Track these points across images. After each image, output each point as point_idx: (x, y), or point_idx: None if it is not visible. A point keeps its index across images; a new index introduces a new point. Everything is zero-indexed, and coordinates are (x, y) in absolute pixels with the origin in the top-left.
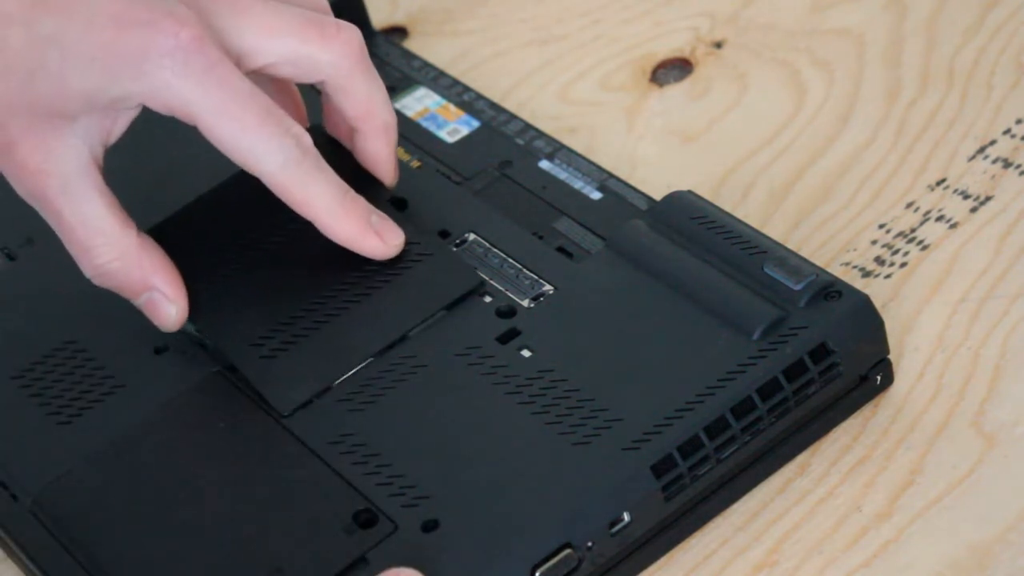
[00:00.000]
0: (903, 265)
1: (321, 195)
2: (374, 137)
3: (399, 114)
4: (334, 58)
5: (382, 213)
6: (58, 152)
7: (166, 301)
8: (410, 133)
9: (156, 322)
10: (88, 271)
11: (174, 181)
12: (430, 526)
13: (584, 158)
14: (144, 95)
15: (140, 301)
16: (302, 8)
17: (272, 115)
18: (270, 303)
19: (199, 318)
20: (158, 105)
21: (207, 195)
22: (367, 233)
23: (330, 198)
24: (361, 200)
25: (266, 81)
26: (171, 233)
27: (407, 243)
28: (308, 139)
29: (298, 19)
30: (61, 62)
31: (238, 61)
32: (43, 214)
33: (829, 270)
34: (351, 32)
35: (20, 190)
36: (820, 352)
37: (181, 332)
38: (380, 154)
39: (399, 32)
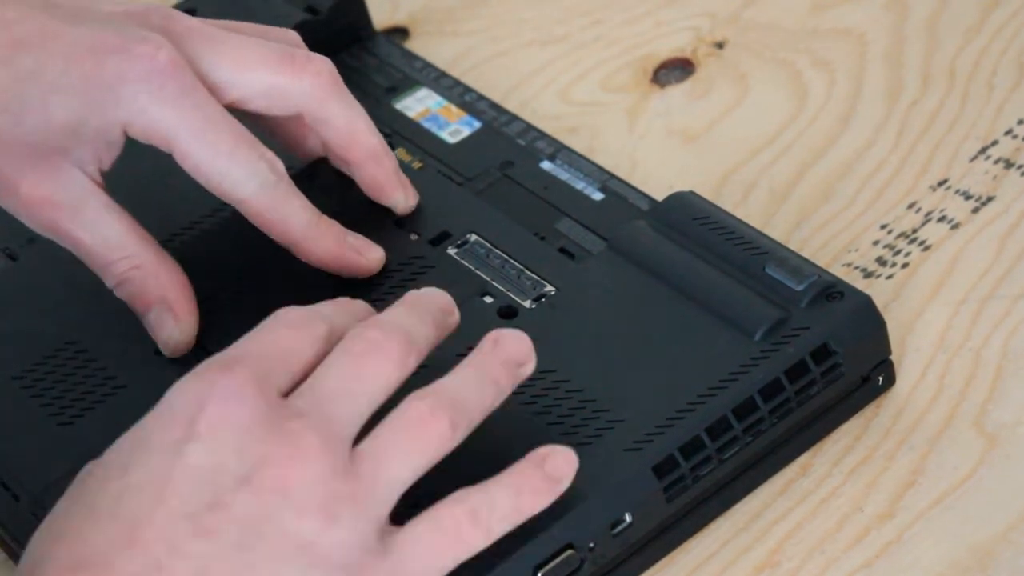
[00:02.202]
0: (905, 266)
1: (297, 218)
2: (365, 165)
3: (401, 115)
4: (306, 88)
5: (357, 234)
6: (60, 182)
7: (172, 322)
8: (411, 134)
9: (159, 341)
10: (110, 282)
11: (171, 201)
12: None
13: (585, 159)
14: (124, 122)
15: (150, 317)
16: (274, 42)
17: (245, 139)
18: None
19: (206, 335)
20: (137, 132)
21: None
22: (345, 251)
23: (306, 221)
24: (335, 223)
25: (248, 119)
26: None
27: (409, 258)
28: (280, 165)
29: (269, 52)
30: (43, 97)
31: (212, 94)
32: (63, 244)
33: (831, 271)
34: (322, 63)
35: (33, 225)
36: (822, 353)
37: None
38: (377, 180)
39: (400, 32)
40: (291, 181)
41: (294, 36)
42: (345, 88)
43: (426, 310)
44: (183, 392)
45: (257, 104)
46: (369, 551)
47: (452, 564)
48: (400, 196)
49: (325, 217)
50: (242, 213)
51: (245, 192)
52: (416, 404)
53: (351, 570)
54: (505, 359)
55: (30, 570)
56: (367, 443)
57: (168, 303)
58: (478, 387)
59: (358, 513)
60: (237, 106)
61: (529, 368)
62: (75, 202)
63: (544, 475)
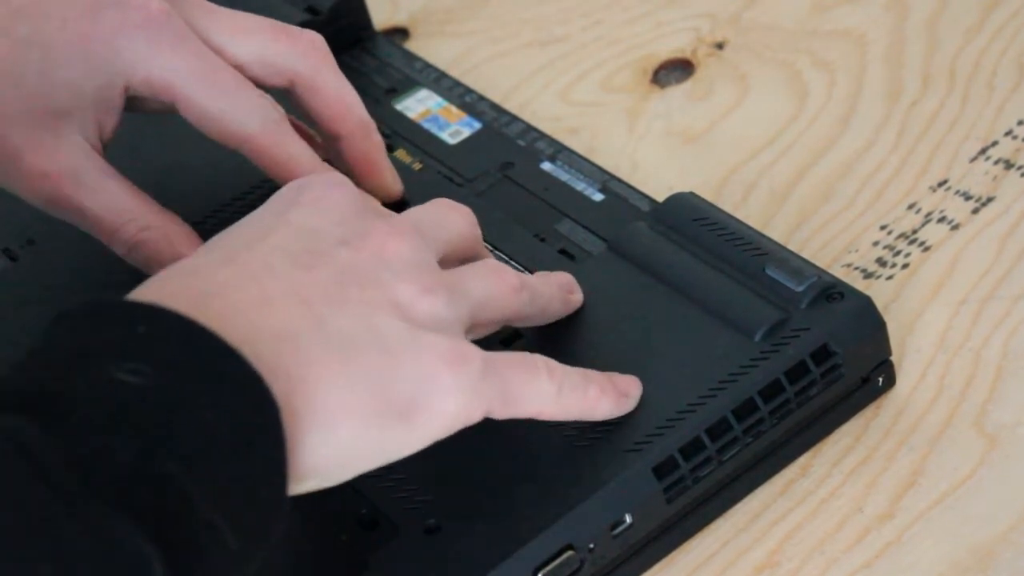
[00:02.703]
0: (905, 266)
1: (303, 153)
2: (357, 138)
3: (401, 116)
4: (301, 52)
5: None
6: (62, 150)
7: None
8: (412, 135)
9: None
10: (121, 250)
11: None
12: (432, 529)
13: (586, 159)
14: (124, 73)
15: None
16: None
17: (244, 81)
18: None
19: None
20: (139, 83)
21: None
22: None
23: (310, 155)
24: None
25: None
26: None
27: None
28: (280, 107)
29: (264, 22)
30: (42, 60)
31: None
32: (65, 215)
33: (831, 271)
34: (315, 35)
35: (35, 198)
36: (822, 353)
37: None
38: (369, 155)
39: (400, 33)
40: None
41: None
42: (335, 63)
43: (552, 280)
44: (289, 184)
45: (253, 70)
46: (459, 340)
47: (529, 396)
48: (389, 176)
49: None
50: (248, 154)
51: (251, 128)
52: (492, 261)
53: (448, 334)
54: (559, 282)
55: (136, 293)
56: (452, 270)
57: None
58: (542, 281)
59: (450, 299)
60: None
61: (578, 298)
62: (76, 170)
63: (612, 382)
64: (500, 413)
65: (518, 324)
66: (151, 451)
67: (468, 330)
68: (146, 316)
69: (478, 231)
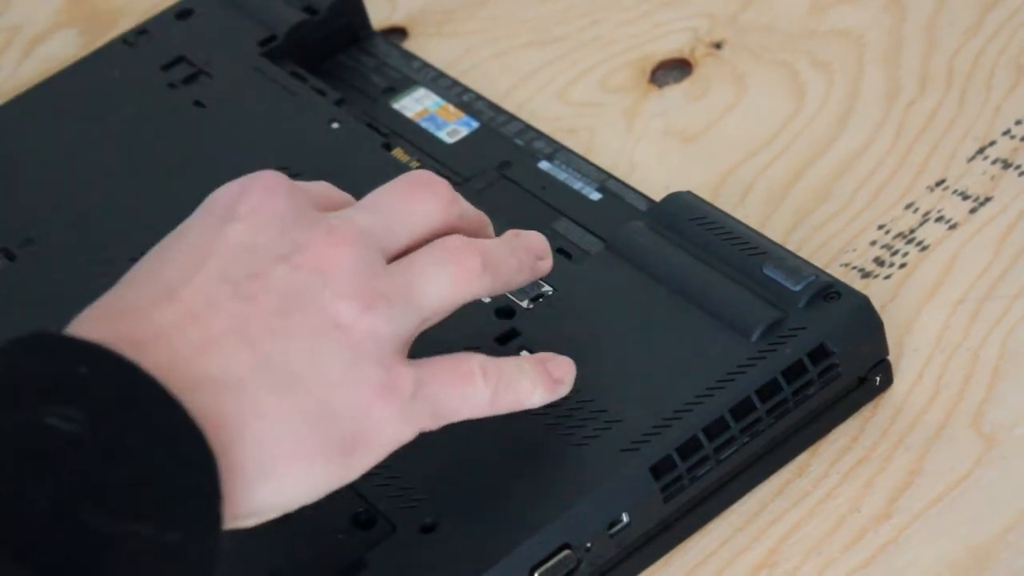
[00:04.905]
0: (902, 266)
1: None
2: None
3: (398, 115)
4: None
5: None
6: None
7: None
8: (409, 134)
9: None
10: None
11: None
12: (429, 527)
13: (583, 159)
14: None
15: None
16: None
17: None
18: None
19: None
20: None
21: None
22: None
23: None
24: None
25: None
26: None
27: None
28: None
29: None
30: None
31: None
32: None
33: (828, 271)
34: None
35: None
36: (819, 353)
37: None
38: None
39: (398, 33)
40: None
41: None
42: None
43: (520, 246)
44: (225, 188)
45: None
46: (398, 355)
47: (460, 407)
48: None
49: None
50: None
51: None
52: (453, 237)
53: (383, 364)
54: (527, 246)
55: (71, 328)
56: (404, 259)
57: None
58: (508, 250)
59: (391, 312)
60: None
61: (547, 264)
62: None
63: (546, 370)
64: (433, 427)
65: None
66: (72, 501)
67: (423, 322)
68: (91, 358)
69: (456, 207)
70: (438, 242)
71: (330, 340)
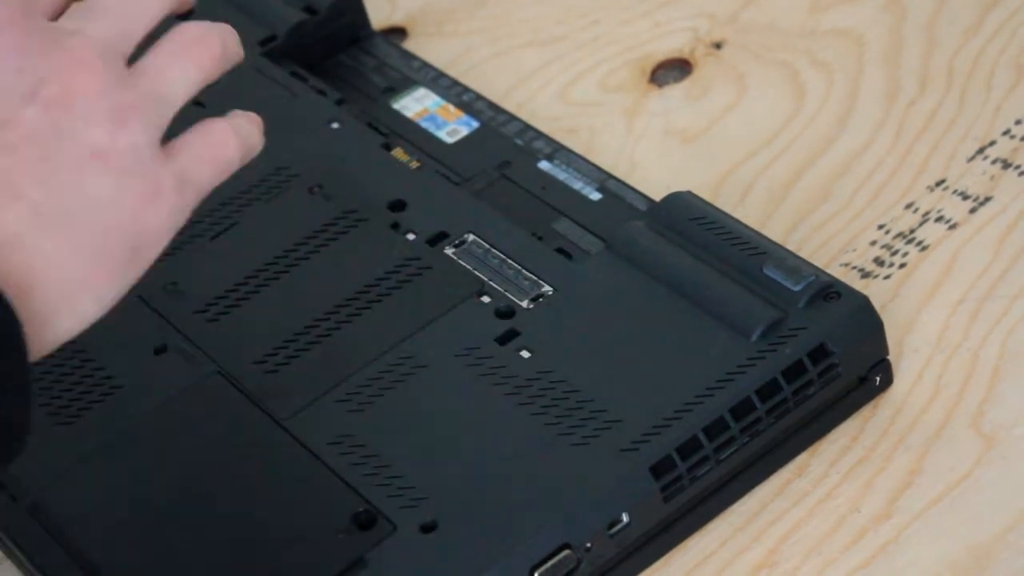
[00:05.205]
0: (902, 266)
1: None
2: None
3: (398, 115)
4: None
5: None
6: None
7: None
8: (409, 133)
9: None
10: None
11: None
12: (429, 527)
13: (583, 159)
14: None
15: None
16: None
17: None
18: (271, 322)
19: (203, 342)
20: None
21: None
22: None
23: None
24: None
25: None
26: None
27: (406, 258)
28: None
29: None
30: None
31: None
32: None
33: (828, 271)
34: None
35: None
36: (819, 353)
37: (180, 333)
38: None
39: (398, 33)
40: None
41: None
42: None
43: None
44: None
45: None
46: (156, 156)
47: (218, 176)
48: None
49: None
50: None
51: None
52: (189, 25)
53: (144, 172)
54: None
55: None
56: (145, 58)
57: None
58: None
59: (144, 120)
60: None
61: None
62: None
63: (233, 124)
64: (199, 200)
65: None
66: None
67: (175, 111)
68: None
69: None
70: (174, 35)
71: (92, 169)
